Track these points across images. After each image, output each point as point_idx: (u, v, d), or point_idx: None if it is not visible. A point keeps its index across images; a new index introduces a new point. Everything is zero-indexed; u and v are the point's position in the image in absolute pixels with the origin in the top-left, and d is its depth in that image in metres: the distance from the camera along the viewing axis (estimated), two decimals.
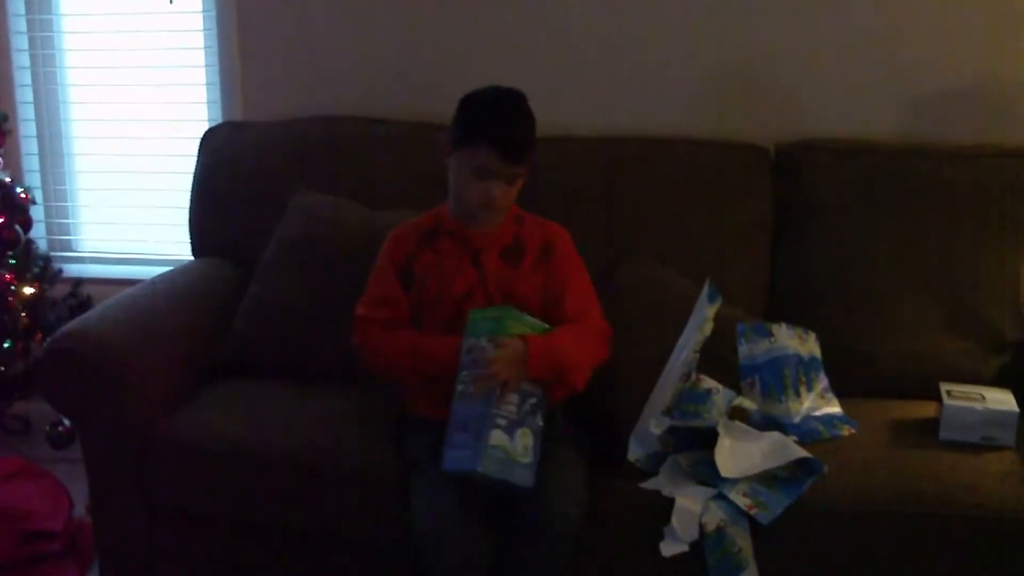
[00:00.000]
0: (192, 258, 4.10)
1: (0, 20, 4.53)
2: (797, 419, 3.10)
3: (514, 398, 2.84)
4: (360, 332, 3.17)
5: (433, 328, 3.11)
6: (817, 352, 3.29)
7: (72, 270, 4.60)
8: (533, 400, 2.86)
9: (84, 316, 3.46)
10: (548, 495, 2.82)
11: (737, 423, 3.02)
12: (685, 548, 2.82)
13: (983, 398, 3.10)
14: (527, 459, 2.78)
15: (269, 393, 3.45)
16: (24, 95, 4.63)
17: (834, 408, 3.22)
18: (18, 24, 4.56)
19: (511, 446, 2.77)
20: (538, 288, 3.15)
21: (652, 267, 3.53)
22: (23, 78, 4.62)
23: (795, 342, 3.22)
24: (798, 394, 3.14)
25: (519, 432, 2.80)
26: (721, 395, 3.07)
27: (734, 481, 2.88)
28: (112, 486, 3.31)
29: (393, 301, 3.16)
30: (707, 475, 2.92)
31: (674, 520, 2.84)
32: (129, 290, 3.63)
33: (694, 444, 2.99)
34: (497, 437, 2.78)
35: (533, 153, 3.05)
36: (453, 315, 3.09)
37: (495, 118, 3.03)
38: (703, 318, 3.03)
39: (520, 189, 3.12)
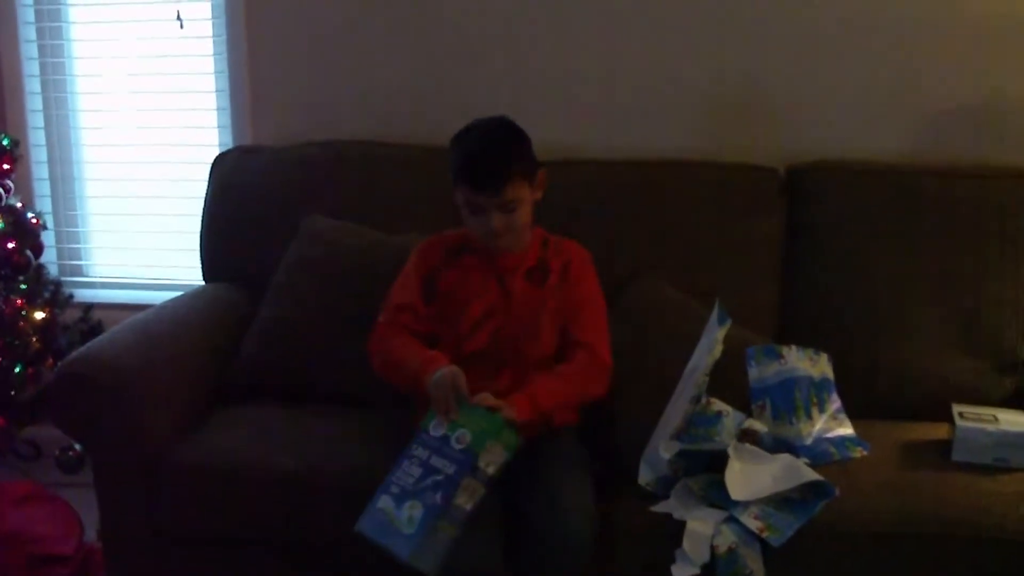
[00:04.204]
0: (202, 283, 4.10)
1: (11, 45, 4.55)
2: (808, 441, 3.10)
3: (416, 470, 2.83)
4: (375, 337, 3.21)
5: (450, 343, 3.13)
6: (829, 373, 3.28)
7: (83, 295, 4.59)
8: (438, 478, 2.81)
9: (95, 341, 3.46)
10: (560, 514, 2.82)
11: (748, 446, 3.01)
12: (697, 570, 2.81)
13: (996, 419, 3.09)
14: (408, 530, 2.74)
15: (279, 416, 3.44)
16: (35, 120, 4.64)
17: (846, 430, 3.21)
18: (29, 50, 4.58)
19: (395, 514, 2.76)
20: (557, 309, 3.18)
21: (661, 288, 3.52)
22: (34, 103, 4.63)
23: (806, 364, 3.21)
24: (809, 416, 3.14)
25: (408, 503, 2.77)
26: (731, 418, 3.07)
27: (745, 504, 2.87)
28: (122, 510, 3.30)
29: (413, 310, 3.19)
30: (718, 498, 2.90)
31: (686, 543, 2.83)
32: (139, 315, 3.64)
33: (705, 467, 2.98)
34: (384, 501, 2.80)
35: (520, 178, 3.06)
36: (470, 331, 3.13)
37: (466, 157, 3.08)
38: (713, 340, 3.02)
39: (533, 209, 3.15)
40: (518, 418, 2.88)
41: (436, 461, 2.83)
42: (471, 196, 3.06)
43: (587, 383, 3.12)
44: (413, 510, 2.76)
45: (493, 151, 3.07)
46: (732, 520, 2.85)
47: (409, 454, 2.86)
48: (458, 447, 2.84)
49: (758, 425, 3.09)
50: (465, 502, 2.76)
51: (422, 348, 3.12)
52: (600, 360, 3.14)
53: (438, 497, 2.77)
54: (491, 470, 2.80)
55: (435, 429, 2.88)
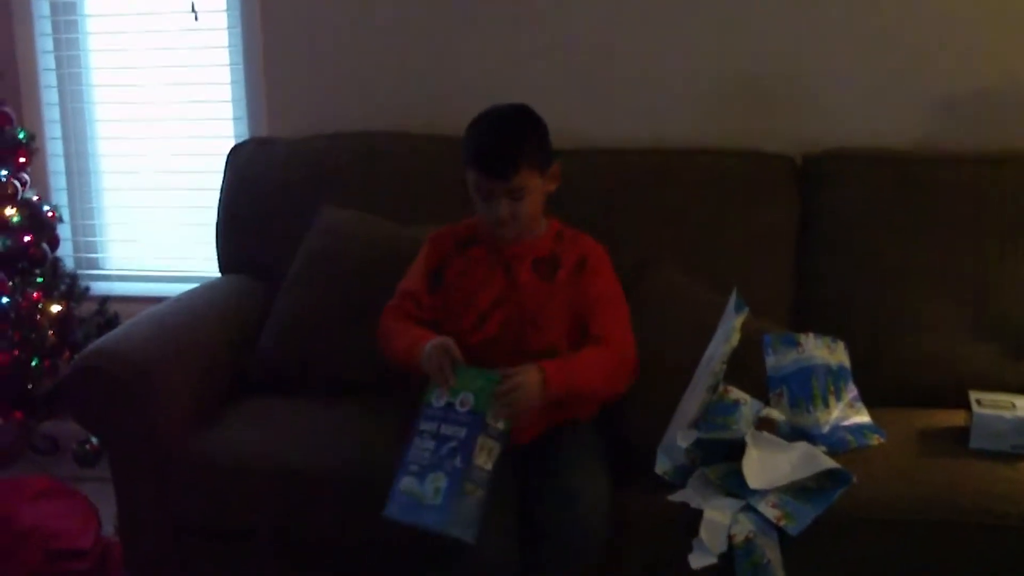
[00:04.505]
0: (219, 275, 4.11)
1: (27, 39, 4.57)
2: (825, 429, 3.09)
3: (430, 443, 2.83)
4: (380, 322, 3.21)
5: (457, 334, 3.09)
6: (846, 361, 3.26)
7: (99, 288, 4.61)
8: (452, 444, 2.82)
9: (111, 333, 3.47)
10: (574, 506, 2.82)
11: (765, 434, 3.00)
12: (714, 560, 2.80)
13: (1014, 406, 3.08)
14: (436, 501, 2.75)
15: (296, 409, 3.45)
16: (51, 113, 4.66)
17: (863, 418, 3.20)
18: (45, 43, 4.60)
19: (420, 490, 2.77)
20: (569, 303, 3.15)
21: (676, 277, 3.51)
22: (50, 97, 4.65)
23: (823, 352, 3.20)
24: (826, 404, 3.13)
25: (431, 476, 2.78)
26: (749, 406, 3.06)
27: (763, 492, 2.86)
28: (140, 503, 3.32)
29: (416, 298, 3.19)
30: (735, 487, 2.90)
31: (703, 532, 2.83)
32: (156, 307, 3.65)
33: (722, 456, 2.98)
34: (406, 483, 2.80)
35: (530, 166, 3.03)
36: (477, 322, 3.11)
37: (476, 140, 3.07)
38: (730, 329, 3.02)
39: (544, 200, 3.13)
40: (549, 391, 2.90)
41: (447, 429, 2.84)
42: (480, 180, 3.04)
43: (612, 372, 3.08)
44: (437, 482, 2.76)
45: (505, 137, 3.05)
46: (749, 509, 2.85)
47: (418, 431, 2.87)
48: (463, 410, 2.85)
49: (775, 414, 3.08)
50: (484, 462, 2.79)
51: (415, 328, 3.12)
52: (627, 359, 3.12)
53: (458, 461, 2.78)
54: (500, 425, 2.83)
55: (437, 400, 2.89)
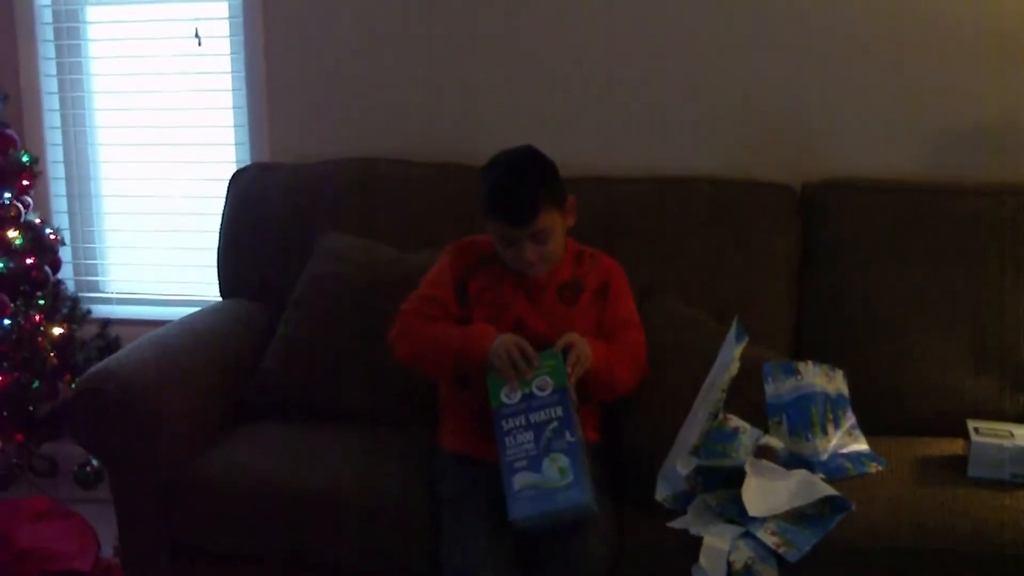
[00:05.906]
0: (220, 299, 4.12)
1: (30, 63, 4.58)
2: (824, 456, 3.09)
3: (527, 436, 2.85)
4: (400, 323, 3.19)
5: None
6: (845, 389, 3.27)
7: (100, 311, 4.61)
8: (553, 425, 2.85)
9: (113, 356, 3.48)
10: (577, 535, 2.82)
11: (764, 462, 3.01)
12: None
13: (1012, 435, 3.08)
14: (567, 480, 2.77)
15: (297, 433, 3.46)
16: (53, 137, 4.66)
17: (861, 445, 3.20)
18: (48, 66, 4.61)
19: (541, 478, 2.78)
20: (592, 325, 3.18)
21: (677, 305, 3.52)
22: (52, 120, 4.66)
23: (822, 380, 3.21)
24: (825, 432, 3.13)
25: (546, 461, 2.80)
26: (748, 434, 3.06)
27: (762, 519, 2.87)
28: (141, 525, 3.32)
29: (444, 306, 3.19)
30: (735, 514, 2.91)
31: (702, 558, 2.83)
32: (157, 331, 3.65)
33: (722, 483, 2.99)
34: (522, 480, 2.80)
35: (549, 207, 3.06)
36: None
37: (491, 191, 3.08)
38: (730, 357, 3.02)
39: (566, 232, 3.18)
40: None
41: (537, 416, 2.88)
42: (502, 229, 3.07)
43: (632, 369, 3.16)
44: (557, 462, 2.80)
45: (520, 184, 3.07)
46: (749, 536, 2.86)
47: (506, 431, 2.89)
48: (546, 393, 2.90)
49: (774, 441, 3.09)
50: (582, 433, 2.87)
51: (462, 325, 3.13)
52: (643, 363, 3.20)
53: (568, 436, 2.83)
54: (575, 397, 2.91)
55: (510, 396, 2.93)
